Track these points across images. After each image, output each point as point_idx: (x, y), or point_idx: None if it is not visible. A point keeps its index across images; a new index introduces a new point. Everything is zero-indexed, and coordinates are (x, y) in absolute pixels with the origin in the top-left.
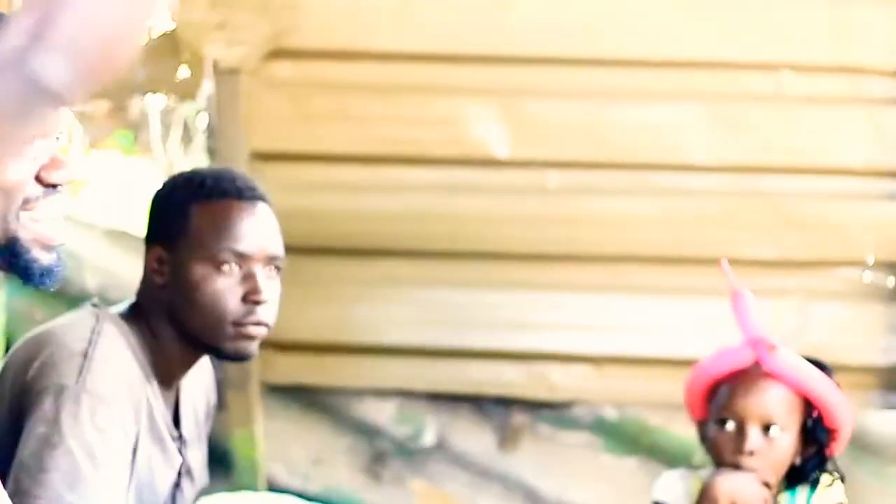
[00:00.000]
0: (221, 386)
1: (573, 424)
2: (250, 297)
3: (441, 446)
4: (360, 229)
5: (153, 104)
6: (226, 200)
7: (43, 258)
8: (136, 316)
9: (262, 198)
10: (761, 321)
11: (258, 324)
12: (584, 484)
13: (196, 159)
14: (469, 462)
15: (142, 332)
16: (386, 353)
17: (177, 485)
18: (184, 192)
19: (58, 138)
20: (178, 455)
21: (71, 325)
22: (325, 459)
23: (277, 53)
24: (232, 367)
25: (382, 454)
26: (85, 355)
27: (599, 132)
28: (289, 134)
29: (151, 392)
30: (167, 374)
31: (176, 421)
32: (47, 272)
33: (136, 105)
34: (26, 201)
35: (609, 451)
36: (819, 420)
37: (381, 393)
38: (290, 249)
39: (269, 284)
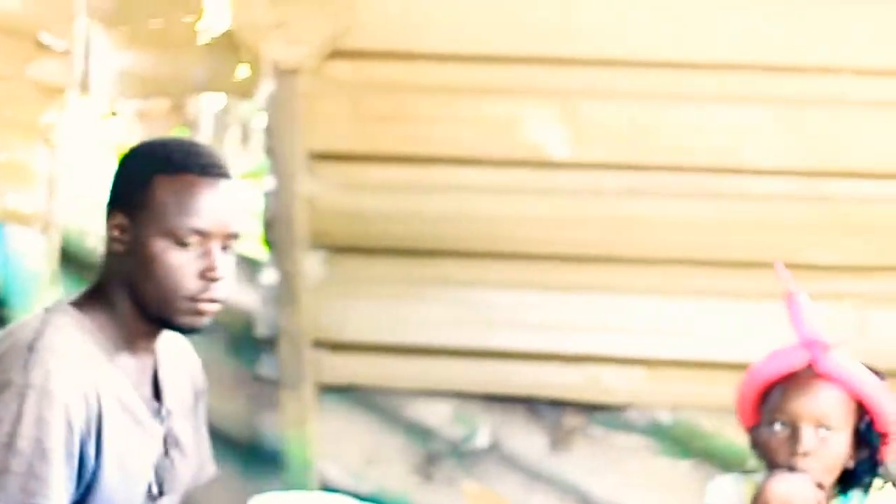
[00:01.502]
0: (274, 385)
1: (626, 427)
2: (207, 274)
3: (494, 448)
4: (413, 230)
5: (211, 103)
6: (190, 175)
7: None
8: (96, 292)
9: (225, 175)
10: (815, 323)
11: (212, 300)
12: (637, 487)
13: (253, 159)
14: (522, 464)
15: (101, 309)
16: (438, 354)
17: (166, 455)
18: (149, 161)
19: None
20: (158, 425)
21: (25, 321)
22: (378, 459)
23: (335, 54)
24: (286, 367)
25: (435, 455)
26: (31, 349)
27: (657, 135)
28: (345, 134)
29: (115, 370)
30: (132, 344)
31: (157, 393)
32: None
33: (194, 104)
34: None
35: (662, 455)
36: (872, 424)
37: (434, 394)
38: (343, 249)
39: (225, 260)
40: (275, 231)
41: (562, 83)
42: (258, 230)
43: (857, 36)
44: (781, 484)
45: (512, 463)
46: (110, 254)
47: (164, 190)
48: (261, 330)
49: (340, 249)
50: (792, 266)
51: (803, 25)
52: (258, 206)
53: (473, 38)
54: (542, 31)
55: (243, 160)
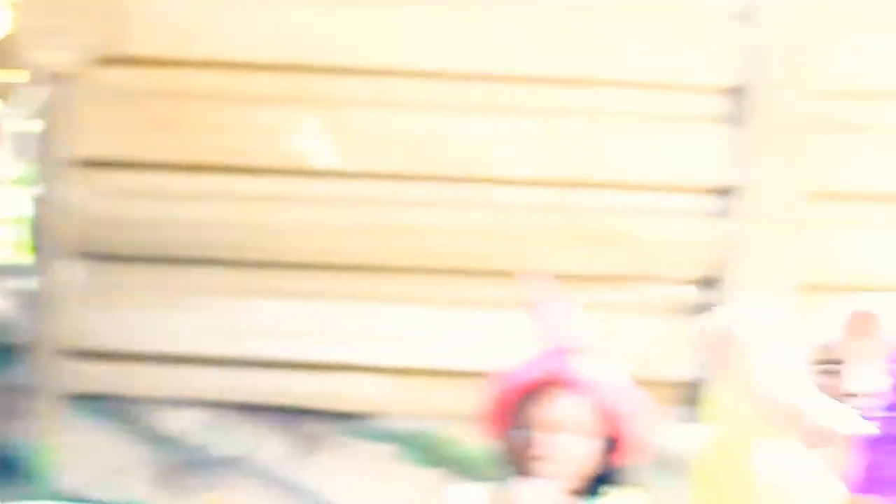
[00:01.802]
0: (22, 393)
1: (371, 436)
2: None
3: (239, 457)
4: (174, 238)
5: None
6: None
7: None
8: None
9: None
10: (564, 332)
11: None
12: (381, 495)
13: (21, 165)
14: (267, 473)
15: None
16: (192, 363)
17: None
18: None
19: None
20: None
21: None
22: (122, 469)
23: (106, 61)
24: (37, 375)
25: (180, 464)
26: None
27: (422, 145)
28: (114, 141)
29: None
30: None
31: None
32: None
33: None
34: None
35: (407, 463)
36: (619, 431)
37: (185, 403)
38: (107, 257)
39: None
40: (40, 238)
41: (327, 92)
42: (23, 236)
43: (617, 51)
44: (526, 490)
45: (259, 471)
46: None
47: None
48: (14, 337)
49: (104, 257)
50: (541, 275)
51: (566, 40)
52: (25, 212)
53: (243, 46)
54: (310, 41)
55: (11, 166)
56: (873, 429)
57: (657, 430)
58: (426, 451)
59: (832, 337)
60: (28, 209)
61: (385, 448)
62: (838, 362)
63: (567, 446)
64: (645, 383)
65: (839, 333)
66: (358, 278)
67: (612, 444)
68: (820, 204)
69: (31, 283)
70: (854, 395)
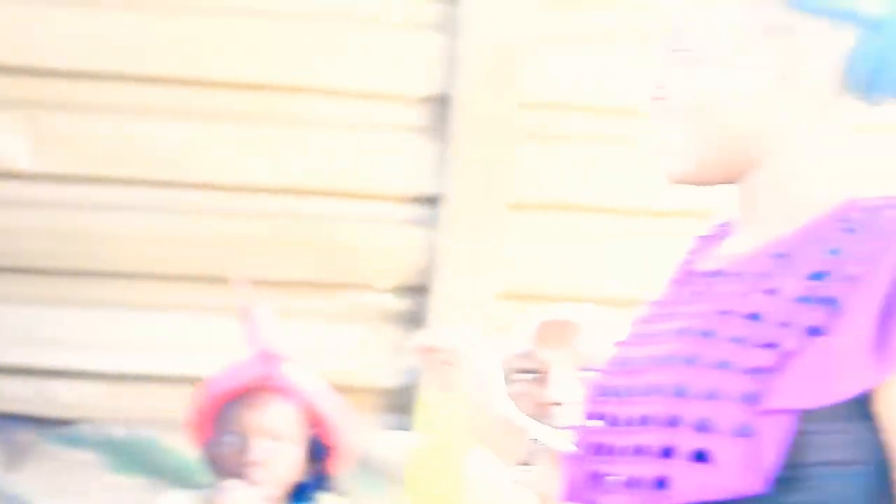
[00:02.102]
0: None
1: (80, 443)
2: None
3: None
4: None
5: None
6: None
7: None
8: None
9: None
10: (271, 337)
11: None
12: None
13: None
14: None
15: None
16: None
17: None
18: None
19: None
20: None
21: None
22: None
23: None
24: None
25: None
26: None
27: (125, 148)
28: None
29: None
30: None
31: None
32: None
33: None
34: None
35: (116, 471)
36: (323, 437)
37: None
38: None
39: None
40: None
41: (24, 93)
42: None
43: (325, 56)
44: (230, 495)
45: None
46: None
47: None
48: None
49: None
50: (249, 281)
51: (274, 44)
52: None
53: None
54: (7, 41)
55: None
56: (574, 439)
57: (363, 437)
58: (136, 459)
59: (529, 346)
60: None
61: (94, 456)
62: (537, 372)
63: (273, 452)
64: (351, 390)
65: (536, 343)
66: (67, 282)
67: (317, 451)
68: (521, 214)
69: None
70: (555, 405)
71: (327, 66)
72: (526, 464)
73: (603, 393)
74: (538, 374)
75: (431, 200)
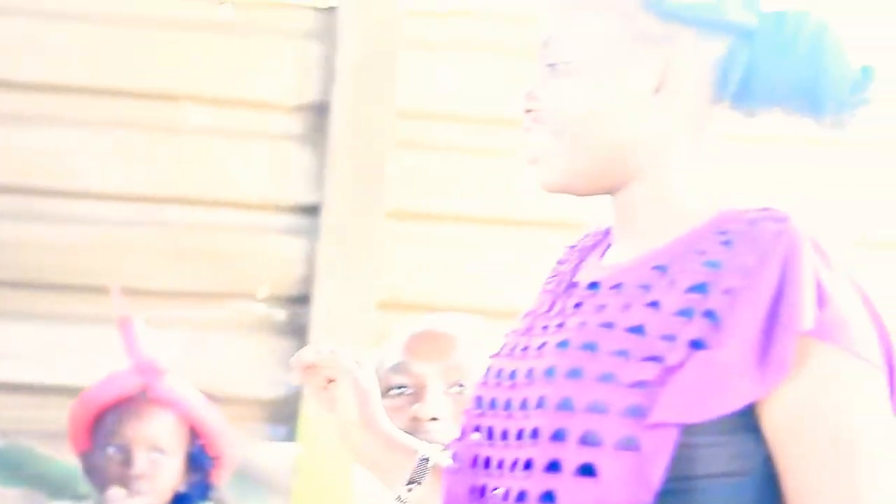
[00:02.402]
0: None
1: None
2: None
3: None
4: None
5: None
6: None
7: None
8: None
9: None
10: (149, 348)
11: None
12: None
13: None
14: None
15: None
16: None
17: None
18: None
19: None
20: None
21: None
22: None
23: None
24: None
25: None
26: None
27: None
28: None
29: None
30: None
31: None
32: None
33: None
34: None
35: None
36: (203, 448)
37: None
38: None
39: None
40: None
41: None
42: None
43: (196, 63)
44: None
45: None
46: None
47: None
48: None
49: None
50: (128, 291)
51: (142, 50)
52: None
53: None
54: None
55: None
56: (454, 454)
57: (244, 447)
58: (12, 470)
59: (402, 359)
60: None
61: None
62: (411, 386)
63: (155, 463)
64: (232, 401)
65: (409, 356)
66: None
67: (199, 461)
68: (399, 223)
69: None
70: (432, 420)
71: (205, 74)
72: (411, 482)
73: (482, 406)
74: (413, 389)
75: (311, 210)
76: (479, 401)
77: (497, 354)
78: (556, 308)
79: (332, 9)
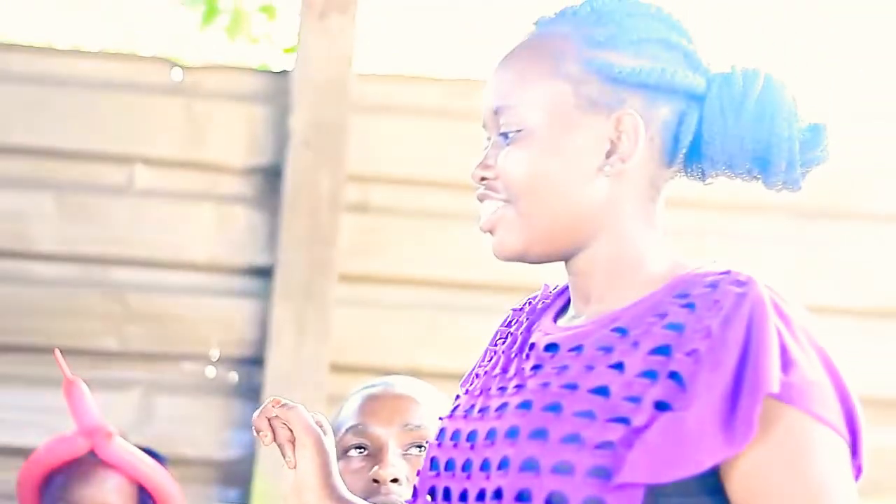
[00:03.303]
0: None
1: None
2: None
3: None
4: None
5: None
6: None
7: None
8: None
9: None
10: (96, 410)
11: None
12: None
13: None
14: None
15: None
16: None
17: None
18: None
19: None
20: None
21: None
22: None
23: None
24: None
25: None
26: None
27: None
28: None
29: None
30: None
31: None
32: None
33: None
34: None
35: None
36: None
37: None
38: None
39: None
40: None
41: None
42: None
43: (147, 126)
44: None
45: None
46: None
47: None
48: None
49: None
50: (77, 352)
51: (94, 112)
52: None
53: None
54: None
55: None
56: None
57: None
58: None
59: (358, 421)
60: None
61: None
62: (370, 447)
63: None
64: (184, 462)
65: (365, 418)
66: None
67: None
68: (351, 286)
69: None
70: (391, 481)
71: (158, 136)
72: None
73: (438, 468)
74: (370, 451)
75: (263, 272)
76: (433, 462)
77: (451, 416)
78: (512, 369)
79: (284, 72)
